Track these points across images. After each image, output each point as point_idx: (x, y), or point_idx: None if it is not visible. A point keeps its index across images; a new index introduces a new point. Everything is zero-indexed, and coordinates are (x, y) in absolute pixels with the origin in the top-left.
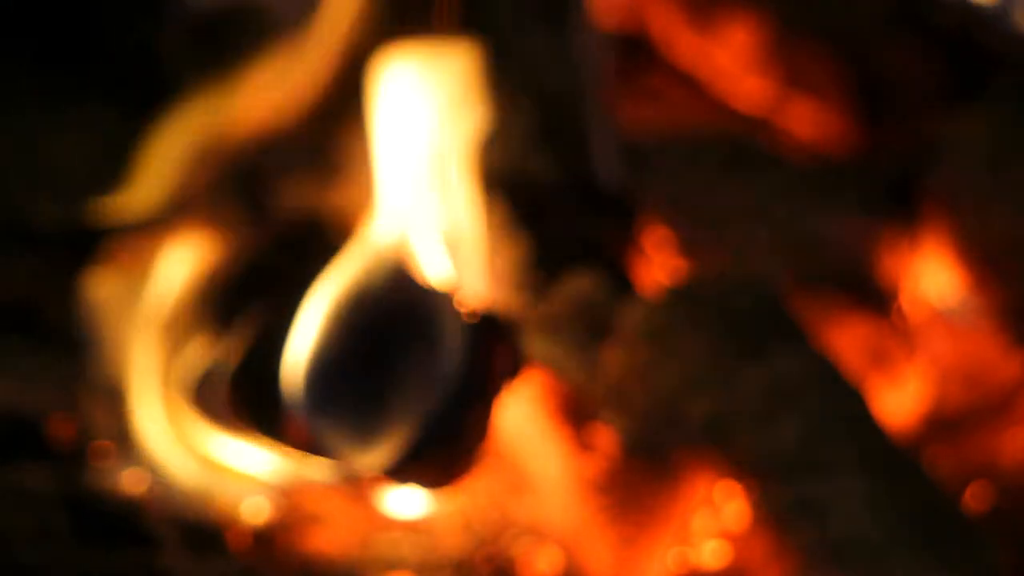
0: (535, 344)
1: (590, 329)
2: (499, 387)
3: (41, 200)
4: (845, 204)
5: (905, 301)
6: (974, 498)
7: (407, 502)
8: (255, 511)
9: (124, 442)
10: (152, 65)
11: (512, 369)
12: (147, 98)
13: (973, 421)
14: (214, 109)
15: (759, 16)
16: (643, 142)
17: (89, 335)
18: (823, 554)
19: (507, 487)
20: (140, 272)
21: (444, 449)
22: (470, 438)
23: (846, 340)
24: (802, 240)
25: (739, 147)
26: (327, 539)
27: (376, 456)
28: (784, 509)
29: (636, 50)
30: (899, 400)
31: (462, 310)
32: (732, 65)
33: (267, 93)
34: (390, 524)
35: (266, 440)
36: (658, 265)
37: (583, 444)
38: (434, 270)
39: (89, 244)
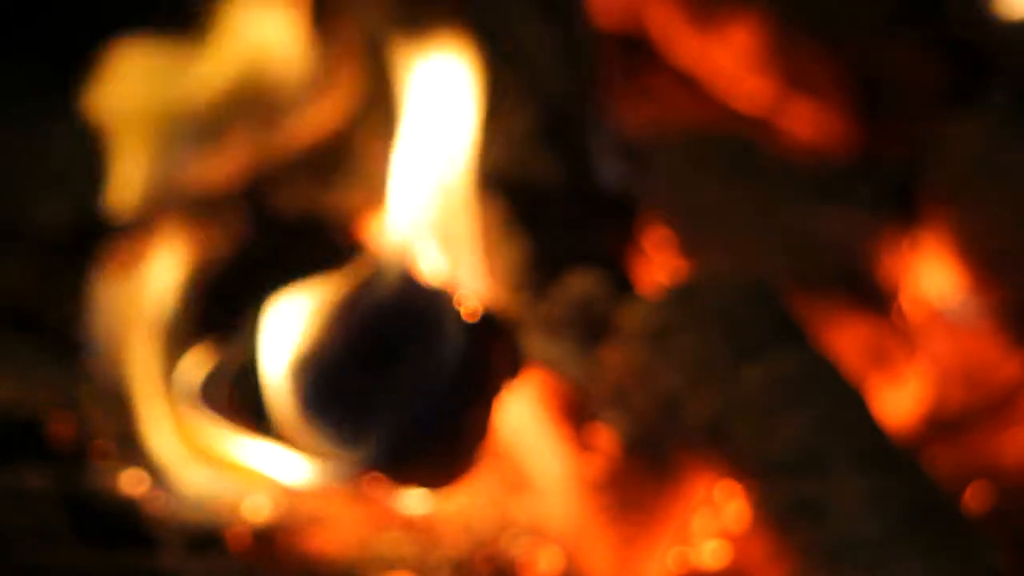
0: (535, 344)
1: (590, 329)
2: (499, 387)
3: (41, 200)
4: (845, 204)
5: (905, 301)
6: (974, 498)
7: (407, 502)
8: (255, 511)
9: (124, 442)
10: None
11: (512, 369)
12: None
13: (973, 421)
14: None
15: (759, 16)
16: (643, 142)
17: (90, 336)
18: (823, 554)
19: (507, 487)
20: (140, 272)
21: (444, 449)
22: (470, 438)
23: (846, 340)
24: (802, 240)
25: (739, 147)
26: (327, 539)
27: (376, 456)
28: (784, 509)
29: (636, 50)
30: (899, 400)
31: (462, 310)
32: (732, 65)
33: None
34: (390, 524)
35: (266, 440)
36: (658, 265)
37: (583, 444)
38: (434, 270)
39: (89, 244)
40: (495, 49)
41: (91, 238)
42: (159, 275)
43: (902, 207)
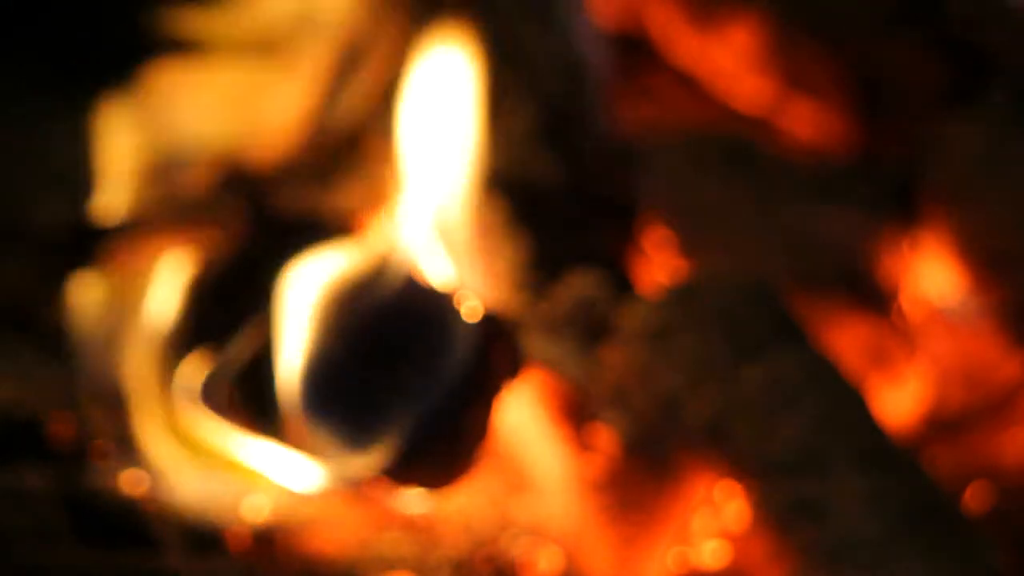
0: (535, 344)
1: (590, 329)
2: (499, 387)
3: (41, 200)
4: (845, 204)
5: (905, 301)
6: (974, 498)
7: (407, 502)
8: (255, 511)
9: (124, 442)
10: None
11: (512, 369)
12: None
13: (973, 421)
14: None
15: (759, 16)
16: (643, 142)
17: (80, 340)
18: (823, 554)
19: (507, 487)
20: (140, 272)
21: (444, 449)
22: (470, 438)
23: (846, 340)
24: (802, 240)
25: (739, 147)
26: (327, 539)
27: (376, 456)
28: (784, 509)
29: (636, 50)
30: (899, 400)
31: (463, 310)
32: (732, 65)
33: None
34: (390, 524)
35: (266, 440)
36: (658, 265)
37: (583, 444)
38: (434, 270)
39: (89, 244)
40: (495, 49)
41: (91, 238)
42: (158, 275)
43: (902, 207)
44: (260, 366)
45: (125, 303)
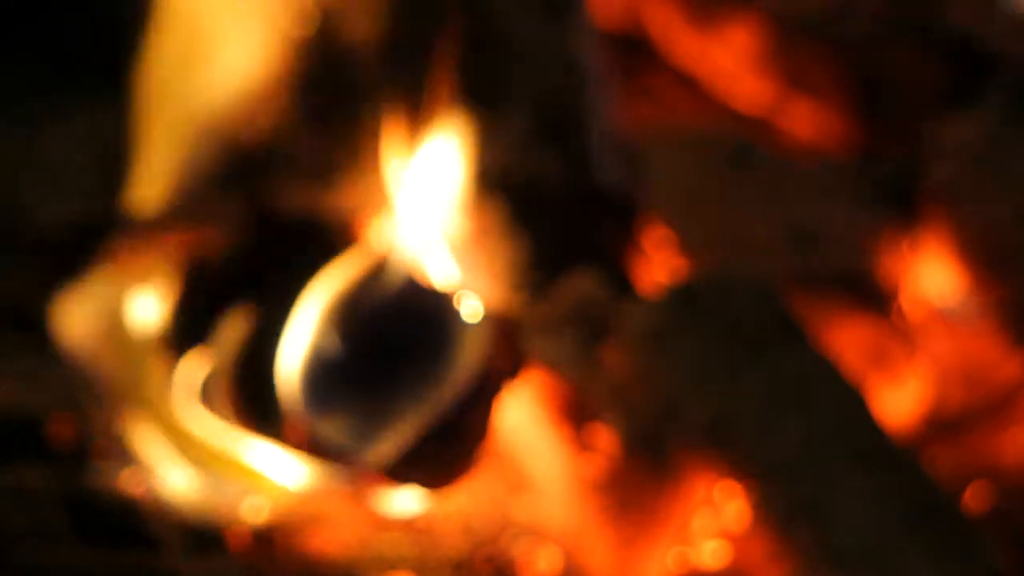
0: (535, 344)
1: (590, 329)
2: (499, 387)
3: (41, 200)
4: (845, 204)
5: (905, 301)
6: (974, 498)
7: (407, 502)
8: (255, 511)
9: (124, 442)
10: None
11: (512, 369)
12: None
13: (973, 421)
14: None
15: (759, 16)
16: (643, 142)
17: (74, 347)
18: (823, 555)
19: (507, 487)
20: (140, 272)
21: (444, 449)
22: (470, 438)
23: (846, 340)
24: (802, 240)
25: (740, 147)
26: (327, 539)
27: (376, 456)
28: (784, 509)
29: (636, 50)
30: (899, 400)
31: (462, 310)
32: (732, 65)
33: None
34: (390, 524)
35: (266, 440)
36: (658, 265)
37: (583, 444)
38: (434, 270)
39: (89, 244)
40: (495, 49)
41: (91, 238)
42: (158, 275)
43: (902, 207)
44: (260, 366)
45: (124, 303)
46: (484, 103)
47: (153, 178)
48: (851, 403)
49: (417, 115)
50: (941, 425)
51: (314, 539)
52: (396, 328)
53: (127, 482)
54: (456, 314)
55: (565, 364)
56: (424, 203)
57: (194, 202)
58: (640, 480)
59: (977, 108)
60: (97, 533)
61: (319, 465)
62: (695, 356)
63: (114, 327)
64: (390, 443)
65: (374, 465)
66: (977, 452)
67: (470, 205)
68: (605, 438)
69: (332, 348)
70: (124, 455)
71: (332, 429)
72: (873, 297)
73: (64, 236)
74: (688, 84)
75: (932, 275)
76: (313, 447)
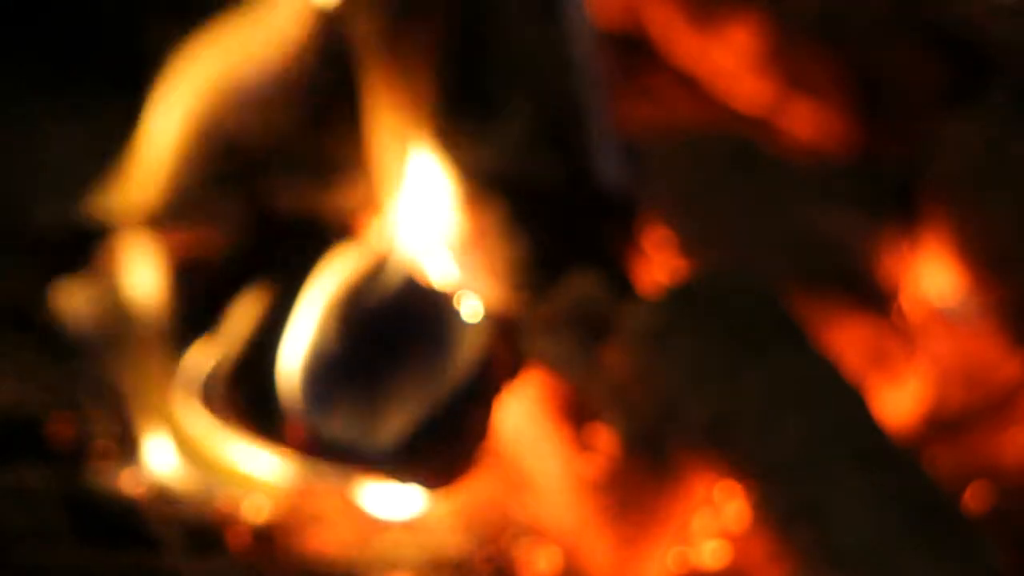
0: (535, 344)
1: (590, 329)
2: (499, 387)
3: (41, 200)
4: (845, 204)
5: (905, 301)
6: (974, 498)
7: (407, 502)
8: (255, 511)
9: (124, 442)
10: (152, 62)
11: (512, 369)
12: (147, 96)
13: (973, 421)
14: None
15: (759, 16)
16: (643, 142)
17: (79, 339)
18: (823, 555)
19: (507, 487)
20: (139, 272)
21: (444, 448)
22: (470, 438)
23: (846, 340)
24: (802, 240)
25: (739, 147)
26: (327, 539)
27: (376, 455)
28: (784, 509)
29: (636, 50)
30: (899, 400)
31: (462, 310)
32: (732, 65)
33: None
34: (390, 524)
35: (266, 440)
36: (658, 265)
37: (583, 444)
38: (434, 269)
39: (89, 244)
40: (495, 49)
41: (91, 238)
42: (158, 274)
43: (902, 207)
44: (260, 365)
45: (124, 303)
46: (484, 103)
47: (153, 178)
48: (851, 403)
49: (417, 115)
50: (941, 425)
51: (314, 539)
52: (396, 328)
53: (127, 482)
54: (456, 314)
55: (565, 364)
56: (424, 203)
57: (194, 202)
58: (640, 480)
59: (978, 108)
60: (97, 533)
61: (319, 465)
62: (695, 356)
63: (114, 327)
64: (390, 443)
65: (374, 465)
66: (977, 452)
67: (470, 205)
68: (605, 438)
69: (332, 348)
70: (124, 455)
71: (332, 428)
72: (873, 297)
73: (64, 236)
74: (688, 84)
75: (932, 275)
76: (313, 446)
